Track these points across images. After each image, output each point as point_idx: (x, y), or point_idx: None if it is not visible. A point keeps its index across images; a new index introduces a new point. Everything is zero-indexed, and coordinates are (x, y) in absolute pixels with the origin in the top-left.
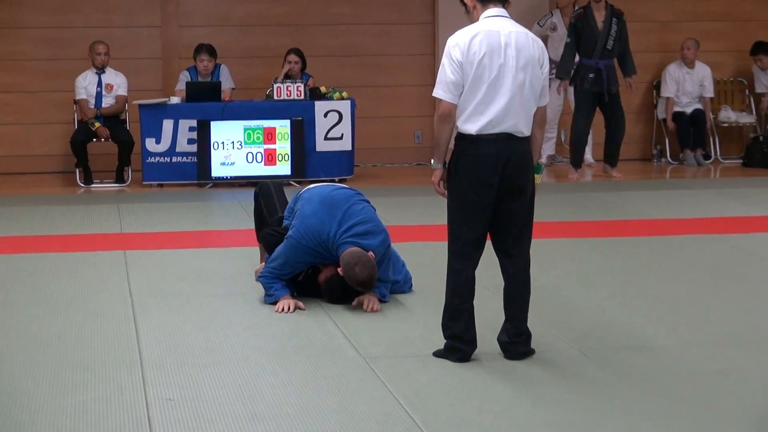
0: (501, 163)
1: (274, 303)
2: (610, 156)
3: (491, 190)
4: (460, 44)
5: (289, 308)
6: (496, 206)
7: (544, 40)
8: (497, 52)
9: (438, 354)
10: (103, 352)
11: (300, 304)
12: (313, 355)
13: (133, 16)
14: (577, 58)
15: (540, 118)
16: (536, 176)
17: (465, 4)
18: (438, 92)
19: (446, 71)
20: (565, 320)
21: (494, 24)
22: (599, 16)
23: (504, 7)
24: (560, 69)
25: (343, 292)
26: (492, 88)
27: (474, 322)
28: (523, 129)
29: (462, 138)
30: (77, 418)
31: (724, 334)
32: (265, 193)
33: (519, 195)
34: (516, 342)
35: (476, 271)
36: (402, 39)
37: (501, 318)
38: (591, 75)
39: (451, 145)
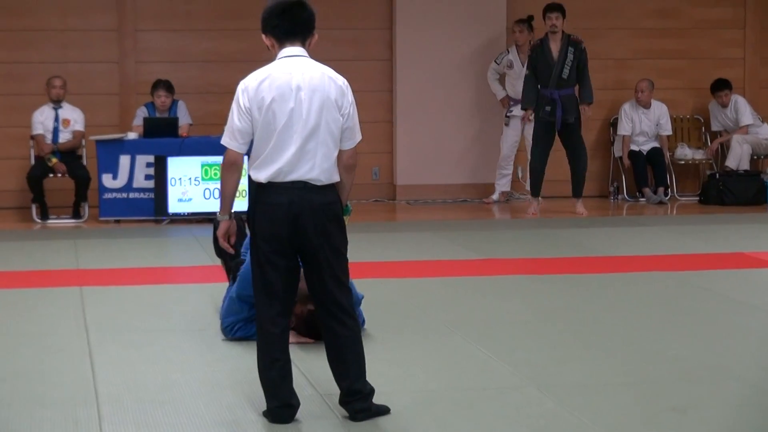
0: (294, 210)
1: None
2: (575, 187)
3: (281, 242)
4: (248, 89)
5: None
6: (303, 265)
7: (502, 77)
8: (287, 96)
9: (264, 415)
10: (58, 389)
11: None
12: None
13: (91, 51)
14: None
15: (345, 161)
16: (345, 218)
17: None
18: (224, 140)
19: (234, 118)
20: (522, 357)
21: (287, 66)
22: (555, 47)
23: (304, 46)
24: (523, 100)
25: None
26: (284, 135)
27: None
28: (321, 177)
29: (255, 186)
30: None
31: (679, 370)
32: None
33: (321, 254)
34: (351, 401)
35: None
36: (360, 75)
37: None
38: (547, 107)
39: None
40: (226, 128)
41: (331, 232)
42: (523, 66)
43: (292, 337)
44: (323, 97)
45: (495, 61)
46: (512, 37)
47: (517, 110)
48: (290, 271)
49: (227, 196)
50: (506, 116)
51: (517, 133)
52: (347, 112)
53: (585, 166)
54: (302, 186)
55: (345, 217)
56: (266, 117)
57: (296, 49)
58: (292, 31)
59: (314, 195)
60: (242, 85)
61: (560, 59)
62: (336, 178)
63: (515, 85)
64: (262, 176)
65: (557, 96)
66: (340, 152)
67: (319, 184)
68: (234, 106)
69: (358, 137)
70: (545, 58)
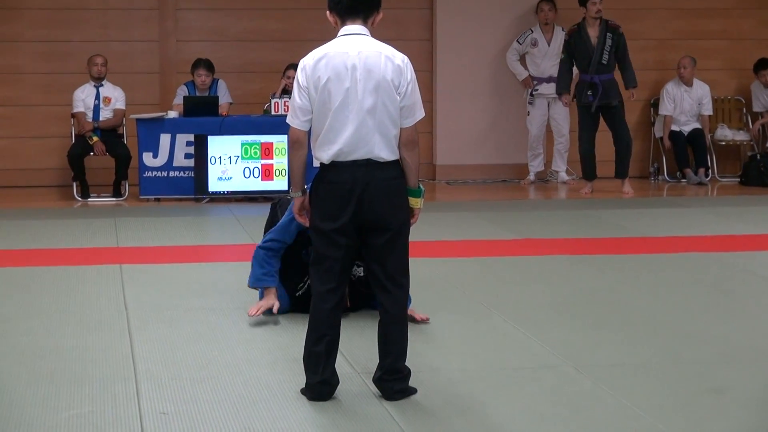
0: (358, 189)
1: (255, 288)
2: (619, 168)
3: (344, 220)
4: (306, 68)
5: (258, 311)
6: (362, 240)
7: (523, 57)
8: (343, 75)
9: (303, 392)
10: (97, 366)
11: (275, 304)
12: None
13: (131, 30)
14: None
15: (405, 139)
16: (416, 200)
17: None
18: (288, 118)
19: (294, 96)
20: (560, 337)
21: (345, 44)
22: (593, 32)
23: (366, 24)
24: (557, 85)
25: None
26: (339, 115)
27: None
28: (382, 154)
29: (320, 165)
30: (71, 431)
31: (719, 351)
32: (283, 204)
33: (382, 230)
34: (389, 379)
35: None
36: None
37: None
38: (589, 92)
39: None
40: (290, 106)
41: (396, 207)
42: (549, 44)
43: None
44: (379, 77)
45: (517, 41)
46: (541, 15)
47: (542, 88)
48: (349, 249)
49: (295, 173)
50: (531, 95)
51: (543, 112)
52: (405, 91)
53: (629, 147)
54: (365, 163)
55: (419, 199)
56: (322, 96)
57: (356, 27)
58: (354, 8)
59: (378, 171)
60: (301, 64)
61: (599, 45)
62: (398, 156)
63: (539, 64)
64: (324, 156)
65: (598, 80)
66: (401, 130)
67: (381, 160)
68: (295, 84)
69: (419, 115)
70: (584, 43)
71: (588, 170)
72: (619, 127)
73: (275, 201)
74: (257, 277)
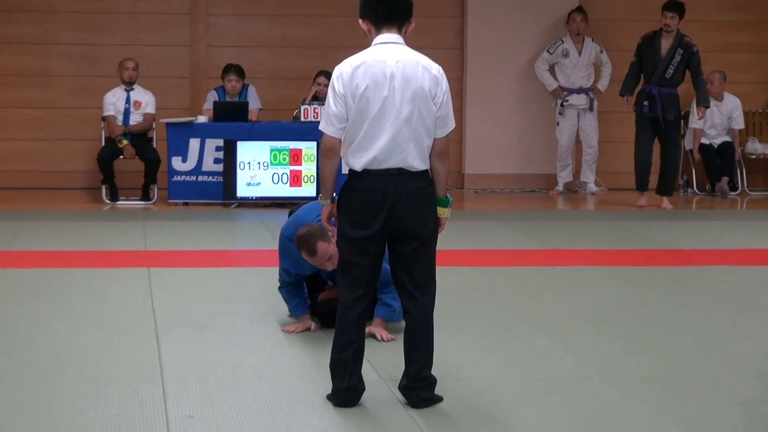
0: (390, 199)
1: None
2: (661, 184)
3: (375, 228)
4: (343, 75)
5: (295, 330)
6: (390, 247)
7: (552, 67)
8: (381, 84)
9: (329, 398)
10: (124, 368)
11: (312, 325)
12: None
13: (163, 34)
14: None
15: (438, 149)
16: (444, 210)
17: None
18: (321, 125)
19: (330, 103)
20: (586, 348)
21: (382, 52)
22: (665, 44)
23: (400, 33)
24: (622, 86)
25: None
26: (376, 123)
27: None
28: (415, 163)
29: (350, 172)
30: None
31: (748, 366)
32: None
33: (412, 239)
34: (415, 387)
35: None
36: None
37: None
38: (646, 102)
39: None
40: (323, 114)
41: (425, 216)
42: (580, 55)
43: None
44: (416, 87)
45: (547, 51)
46: (572, 26)
47: (572, 99)
48: (378, 257)
49: (327, 180)
50: (561, 105)
51: (573, 123)
52: (440, 101)
53: (677, 166)
54: (397, 172)
55: (446, 209)
56: (360, 104)
57: (392, 36)
58: (390, 17)
59: (409, 180)
60: (337, 71)
61: (667, 58)
62: (428, 165)
63: (569, 75)
64: (357, 164)
65: (656, 92)
66: (434, 140)
67: (413, 170)
68: (330, 91)
69: (451, 125)
70: (653, 53)
71: (641, 180)
72: (668, 143)
73: (292, 208)
74: (291, 310)
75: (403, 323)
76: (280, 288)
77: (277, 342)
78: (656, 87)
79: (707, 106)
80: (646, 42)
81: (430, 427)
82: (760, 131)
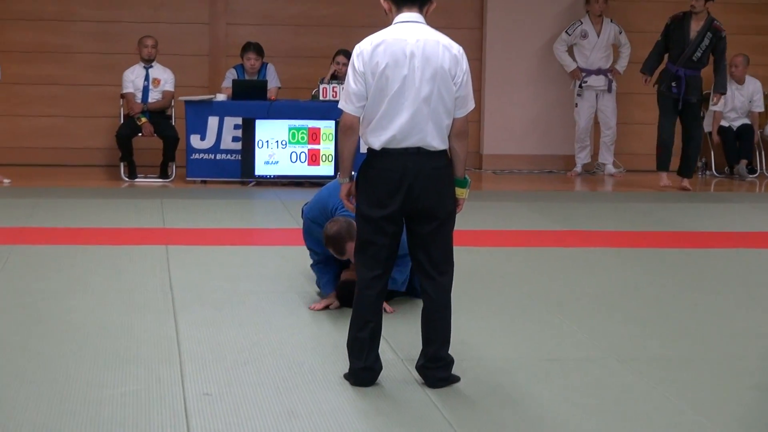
0: (408, 179)
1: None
2: (683, 166)
3: (393, 208)
4: (363, 53)
5: (320, 307)
6: (408, 227)
7: (571, 48)
8: (401, 62)
9: (346, 377)
10: (142, 346)
11: (334, 302)
12: None
13: (182, 12)
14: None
15: (457, 129)
16: (462, 190)
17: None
18: (341, 103)
19: (349, 81)
20: (603, 329)
21: (403, 31)
22: (695, 26)
23: (421, 12)
24: (644, 65)
25: None
26: (395, 102)
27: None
28: (434, 143)
29: (369, 151)
30: (116, 410)
31: (763, 349)
32: None
33: (430, 219)
34: (432, 367)
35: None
36: None
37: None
38: (672, 83)
39: None
40: (343, 91)
41: (444, 196)
42: (598, 36)
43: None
44: (436, 66)
45: (566, 32)
46: (594, 6)
47: (591, 80)
48: (395, 236)
49: (345, 158)
50: (579, 87)
51: (591, 104)
52: (460, 81)
53: (698, 147)
54: (416, 151)
55: (465, 190)
56: (379, 82)
57: (413, 15)
58: None
59: (428, 160)
60: (357, 49)
61: (696, 41)
62: (447, 145)
63: (588, 56)
64: (376, 143)
65: (682, 74)
66: (453, 120)
67: (431, 149)
68: (350, 69)
69: (471, 105)
70: (682, 34)
71: (663, 160)
72: (691, 125)
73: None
74: (321, 287)
75: (419, 302)
76: (311, 265)
77: (295, 321)
78: (682, 68)
79: (724, 93)
80: (675, 22)
81: (446, 407)
82: None
